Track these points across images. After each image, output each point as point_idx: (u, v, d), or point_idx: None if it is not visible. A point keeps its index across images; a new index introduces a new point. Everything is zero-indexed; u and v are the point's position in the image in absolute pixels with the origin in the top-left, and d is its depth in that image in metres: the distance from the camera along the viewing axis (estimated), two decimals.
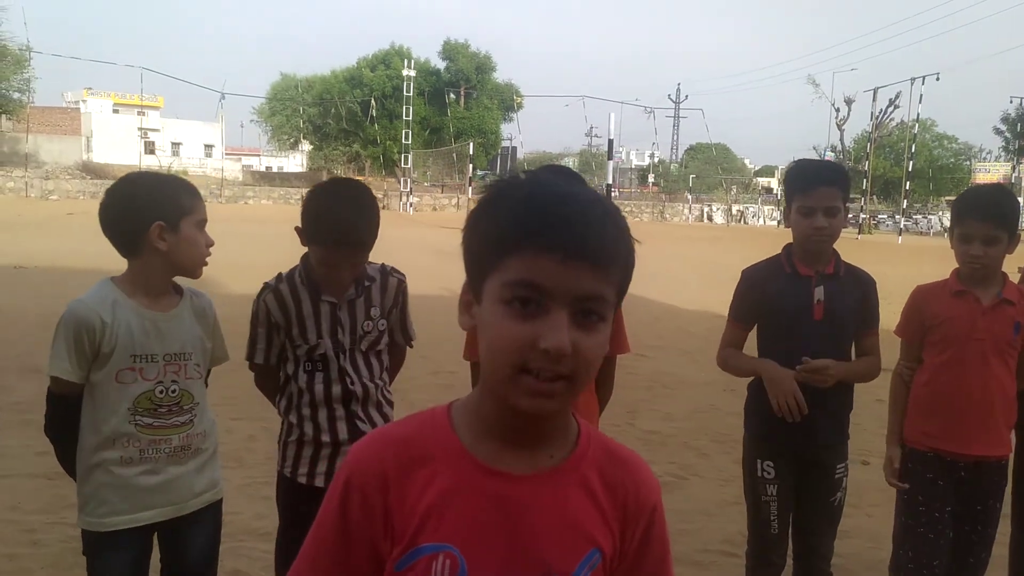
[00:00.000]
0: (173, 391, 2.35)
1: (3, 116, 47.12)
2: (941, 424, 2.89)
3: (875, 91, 50.36)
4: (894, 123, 55.40)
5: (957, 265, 2.92)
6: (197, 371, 2.42)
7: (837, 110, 57.38)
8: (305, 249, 2.60)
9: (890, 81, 66.13)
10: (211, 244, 2.39)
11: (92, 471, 2.33)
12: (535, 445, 1.12)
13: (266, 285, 2.61)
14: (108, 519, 2.31)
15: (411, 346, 2.85)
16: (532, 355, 1.01)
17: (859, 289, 2.90)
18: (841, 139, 58.09)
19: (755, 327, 3.01)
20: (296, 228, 2.53)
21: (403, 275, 2.73)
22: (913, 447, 2.96)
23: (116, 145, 53.67)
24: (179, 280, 2.45)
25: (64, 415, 2.35)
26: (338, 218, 2.44)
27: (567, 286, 1.01)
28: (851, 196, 2.94)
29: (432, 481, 1.10)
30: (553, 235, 1.01)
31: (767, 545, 2.97)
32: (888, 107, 53.45)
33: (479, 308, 1.08)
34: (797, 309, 2.82)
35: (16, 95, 46.23)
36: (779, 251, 2.95)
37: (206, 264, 2.41)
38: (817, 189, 2.78)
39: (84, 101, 62.25)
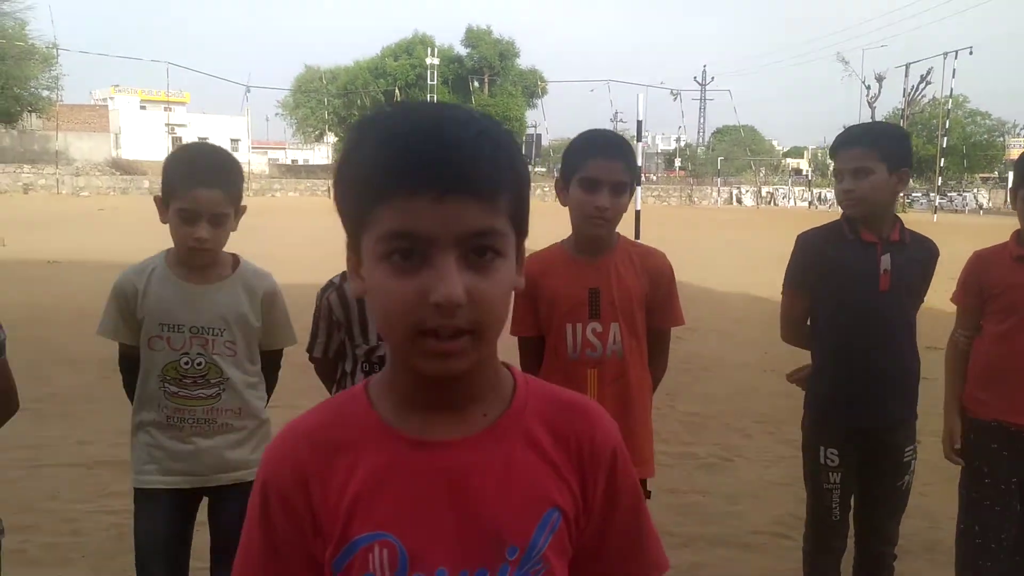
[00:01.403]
0: (199, 363, 2.39)
1: (33, 114, 47.72)
2: (1004, 394, 2.75)
3: (907, 67, 49.69)
4: (926, 100, 54.56)
5: (1013, 231, 2.78)
6: (229, 347, 2.42)
7: (868, 88, 56.66)
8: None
9: (922, 56, 64.97)
10: (198, 237, 2.29)
11: (136, 430, 2.47)
12: (464, 407, 1.00)
13: (331, 283, 2.55)
14: (143, 477, 2.44)
15: None
16: (425, 312, 0.89)
17: (925, 258, 2.76)
18: (872, 117, 57.15)
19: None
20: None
21: None
22: (975, 417, 2.83)
23: (144, 141, 54.08)
24: (244, 256, 2.51)
25: (124, 369, 2.52)
26: None
27: (448, 227, 0.88)
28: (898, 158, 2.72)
29: (356, 467, 0.98)
30: (420, 172, 0.87)
31: (827, 531, 2.84)
32: (920, 83, 52.67)
33: (364, 270, 0.95)
34: (861, 278, 2.67)
35: (45, 93, 46.82)
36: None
37: (195, 255, 2.35)
38: (841, 151, 2.68)
39: (112, 98, 62.87)
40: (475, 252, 0.90)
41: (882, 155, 2.60)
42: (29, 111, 46.87)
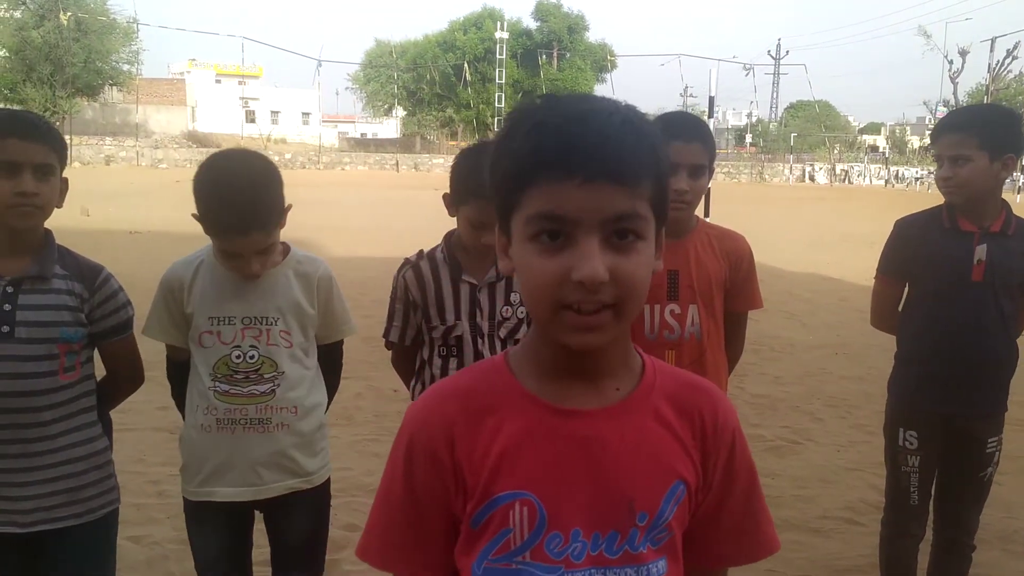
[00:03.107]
0: (252, 357, 2.21)
1: (114, 88, 49.08)
2: None
3: (992, 41, 47.65)
4: (1012, 75, 52.40)
5: None
6: (284, 338, 2.25)
7: (950, 62, 54.60)
8: (453, 226, 2.44)
9: (1009, 30, 62.27)
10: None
11: (184, 437, 2.31)
12: (599, 380, 1.08)
13: (407, 261, 2.48)
14: (194, 489, 2.27)
15: None
16: (568, 289, 0.96)
17: None
18: (954, 93, 55.13)
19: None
20: (444, 195, 2.38)
21: None
22: None
23: (219, 115, 55.28)
24: (296, 242, 2.37)
25: (171, 372, 2.38)
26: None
27: (592, 210, 0.95)
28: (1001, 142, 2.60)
29: (500, 429, 1.06)
30: (568, 159, 0.95)
31: (906, 515, 2.79)
32: (1006, 58, 50.60)
33: (513, 249, 1.04)
34: (953, 269, 2.60)
35: (125, 67, 48.06)
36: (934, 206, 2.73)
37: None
38: (941, 137, 2.62)
39: (188, 72, 64.18)
40: (617, 235, 0.97)
41: (983, 142, 2.53)
42: (110, 85, 48.20)
